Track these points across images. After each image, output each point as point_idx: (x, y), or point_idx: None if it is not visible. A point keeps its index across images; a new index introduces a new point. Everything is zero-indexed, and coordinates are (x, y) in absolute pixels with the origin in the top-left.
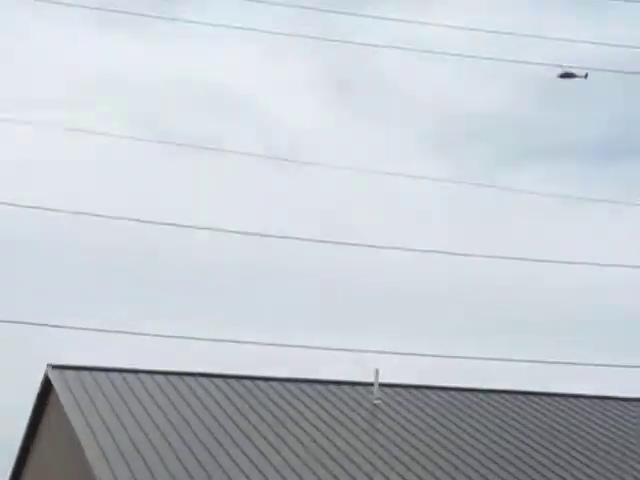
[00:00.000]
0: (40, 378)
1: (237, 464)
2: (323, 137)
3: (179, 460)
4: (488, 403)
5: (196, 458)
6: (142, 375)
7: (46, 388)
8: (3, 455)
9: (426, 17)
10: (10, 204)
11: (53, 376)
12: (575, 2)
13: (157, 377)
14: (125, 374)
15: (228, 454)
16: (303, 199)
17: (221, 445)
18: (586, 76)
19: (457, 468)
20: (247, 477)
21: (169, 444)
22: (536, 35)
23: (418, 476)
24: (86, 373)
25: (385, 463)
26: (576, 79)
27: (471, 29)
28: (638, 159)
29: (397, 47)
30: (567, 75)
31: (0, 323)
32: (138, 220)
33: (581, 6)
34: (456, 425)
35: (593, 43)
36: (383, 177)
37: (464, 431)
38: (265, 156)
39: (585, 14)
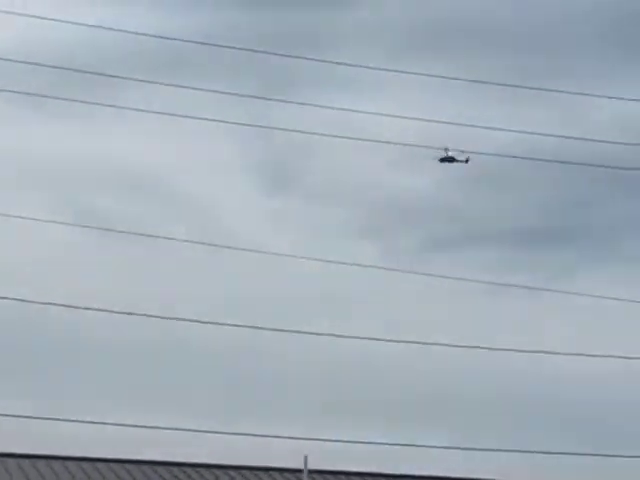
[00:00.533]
0: None
1: None
2: (250, 221)
3: None
4: None
5: None
6: (83, 463)
7: None
8: None
9: (357, 104)
10: None
11: None
12: (507, 92)
13: (98, 464)
14: (65, 462)
15: None
16: (227, 283)
17: None
18: (467, 161)
19: None
20: None
21: None
22: (467, 124)
23: None
24: (27, 461)
25: None
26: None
27: (401, 117)
28: (558, 245)
29: (327, 134)
30: (447, 159)
31: None
32: (53, 304)
33: (514, 96)
34: None
35: (516, 131)
36: (311, 262)
37: None
38: (191, 241)
39: (517, 104)
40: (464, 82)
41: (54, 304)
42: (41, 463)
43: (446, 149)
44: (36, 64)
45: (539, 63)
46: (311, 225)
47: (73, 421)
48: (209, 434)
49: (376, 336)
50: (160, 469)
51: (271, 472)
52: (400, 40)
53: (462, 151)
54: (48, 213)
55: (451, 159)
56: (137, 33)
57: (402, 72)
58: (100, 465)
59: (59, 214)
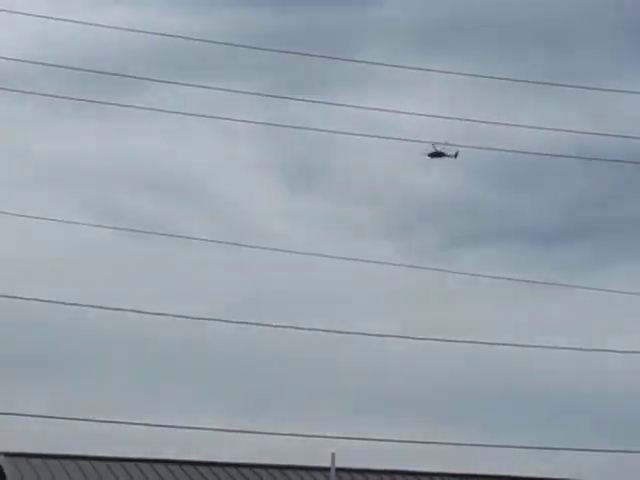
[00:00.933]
0: None
1: None
2: (274, 219)
3: None
4: None
5: None
6: (95, 462)
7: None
8: None
9: (380, 102)
10: None
11: (5, 464)
12: (534, 88)
13: (111, 464)
14: (78, 461)
15: None
16: (255, 282)
17: None
18: (456, 155)
19: None
20: None
21: None
22: (490, 121)
23: None
24: (39, 461)
25: None
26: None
27: (424, 115)
28: (579, 242)
29: (350, 132)
30: (437, 154)
31: None
32: (87, 305)
33: (540, 92)
34: None
35: (544, 129)
36: (334, 260)
37: None
38: (218, 241)
39: (543, 99)
40: (485, 79)
41: (80, 305)
42: (71, 464)
43: (434, 144)
44: (60, 66)
45: (564, 60)
46: (334, 223)
47: (107, 422)
48: (237, 433)
49: (400, 334)
50: (188, 468)
51: (299, 470)
52: (421, 37)
53: (448, 144)
54: (74, 213)
55: (440, 154)
56: (162, 34)
57: (424, 70)
58: (128, 465)
59: (85, 214)
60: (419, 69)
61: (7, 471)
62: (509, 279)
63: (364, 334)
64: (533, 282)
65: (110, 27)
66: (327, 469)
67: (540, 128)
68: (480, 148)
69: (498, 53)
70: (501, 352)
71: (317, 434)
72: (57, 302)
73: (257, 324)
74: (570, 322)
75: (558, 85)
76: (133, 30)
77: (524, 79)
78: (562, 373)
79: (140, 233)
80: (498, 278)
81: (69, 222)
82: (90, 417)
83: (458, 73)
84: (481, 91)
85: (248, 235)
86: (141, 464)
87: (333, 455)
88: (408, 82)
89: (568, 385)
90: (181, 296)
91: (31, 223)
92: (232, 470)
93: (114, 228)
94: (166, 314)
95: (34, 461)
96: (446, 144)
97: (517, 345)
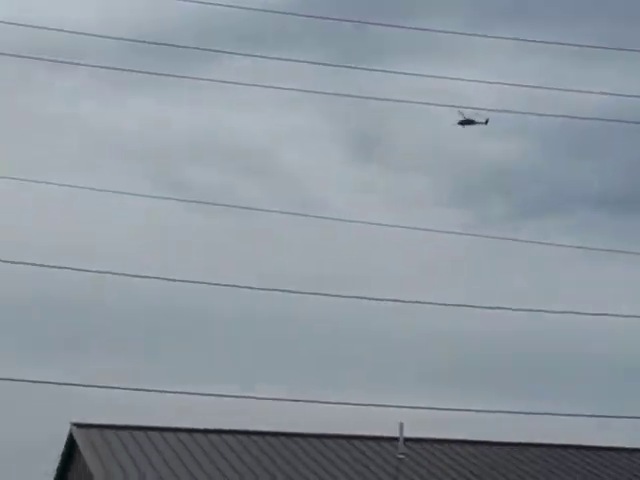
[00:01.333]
0: (64, 437)
1: None
2: (339, 190)
3: None
4: (518, 457)
5: None
6: (165, 433)
7: (71, 447)
8: None
9: (442, 70)
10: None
11: (77, 435)
12: (599, 54)
13: (181, 434)
14: (148, 432)
15: None
16: (322, 253)
17: None
18: (486, 122)
19: None
20: None
21: None
22: (557, 87)
23: None
24: (110, 431)
25: None
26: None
27: (486, 82)
28: None
29: (415, 101)
30: (467, 122)
31: (26, 383)
32: (164, 279)
33: (605, 58)
34: (476, 477)
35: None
36: (403, 230)
37: None
38: (286, 212)
39: (608, 65)
40: (545, 45)
41: (149, 277)
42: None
43: (461, 112)
44: (129, 39)
45: (630, 25)
46: (400, 194)
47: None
48: (306, 403)
49: (466, 303)
50: (257, 438)
51: (367, 440)
52: (484, 4)
53: (477, 110)
54: (142, 186)
55: (470, 121)
56: (226, 5)
57: (486, 37)
58: (197, 436)
59: (153, 187)
60: (482, 36)
61: (78, 441)
62: (576, 247)
63: (430, 303)
64: (599, 250)
65: None
66: (395, 439)
67: (605, 94)
68: (544, 115)
69: (562, 20)
70: (566, 320)
71: (385, 403)
72: (126, 274)
73: (324, 294)
74: (636, 289)
75: (623, 50)
76: (196, 1)
77: (589, 45)
78: (626, 340)
79: (206, 204)
80: (564, 246)
81: (136, 194)
82: (160, 388)
83: (522, 40)
84: (546, 58)
85: (312, 206)
86: (210, 435)
87: (401, 425)
88: (471, 50)
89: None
90: (246, 267)
91: (100, 196)
92: (300, 440)
93: (181, 200)
94: (238, 286)
95: (105, 432)
96: (475, 111)
97: (582, 313)
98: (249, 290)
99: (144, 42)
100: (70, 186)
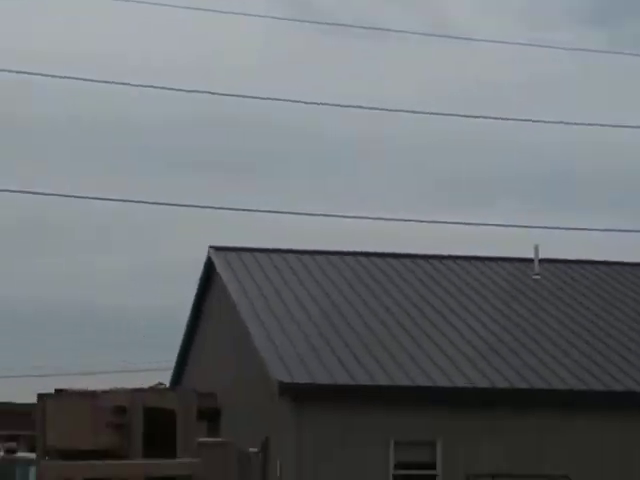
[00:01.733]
0: (203, 260)
1: (398, 340)
2: (471, 12)
3: (338, 335)
4: None
5: (354, 330)
6: (302, 255)
7: (209, 269)
8: (172, 334)
9: None
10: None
11: (215, 257)
12: None
13: (317, 257)
14: (285, 254)
15: (386, 326)
16: (455, 74)
17: (382, 322)
18: None
19: (612, 338)
20: (409, 353)
21: (328, 320)
22: None
23: (581, 351)
24: (247, 254)
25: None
26: None
27: None
28: None
29: None
30: None
31: (165, 207)
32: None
33: None
34: (612, 298)
35: None
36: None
37: (622, 303)
38: (422, 33)
39: None
40: None
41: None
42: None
43: None
44: None
45: None
46: (535, 11)
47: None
48: (438, 224)
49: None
50: (391, 260)
51: (501, 262)
52: None
53: None
54: (267, 6)
55: None
56: None
57: None
58: (333, 258)
59: (278, 8)
60: None
61: (216, 262)
62: None
63: (564, 123)
64: None
65: None
66: (530, 260)
67: None
68: None
69: None
70: None
71: (521, 224)
72: (265, 98)
73: (456, 115)
74: None
75: None
76: None
77: None
78: None
79: (336, 26)
80: None
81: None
82: (295, 210)
83: None
84: None
85: (443, 27)
86: (331, 256)
87: (536, 247)
88: None
89: None
90: (379, 89)
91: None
92: (435, 262)
93: (308, 22)
94: (378, 108)
95: (242, 254)
96: None
97: None
98: (379, 111)
99: None
100: (196, 9)
